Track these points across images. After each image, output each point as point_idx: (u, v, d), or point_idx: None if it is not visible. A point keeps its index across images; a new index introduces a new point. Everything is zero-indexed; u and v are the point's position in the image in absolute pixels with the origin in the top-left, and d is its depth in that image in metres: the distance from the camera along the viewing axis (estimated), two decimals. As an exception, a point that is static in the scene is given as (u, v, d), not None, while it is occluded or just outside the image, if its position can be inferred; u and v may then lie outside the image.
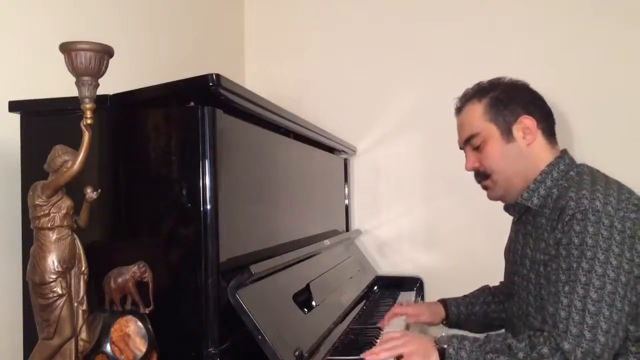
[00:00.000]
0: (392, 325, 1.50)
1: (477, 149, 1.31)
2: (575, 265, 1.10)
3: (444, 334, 1.21)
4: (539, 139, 1.28)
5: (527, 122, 1.27)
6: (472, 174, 1.37)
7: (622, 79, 2.04)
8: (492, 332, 1.33)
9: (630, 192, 1.18)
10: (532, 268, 1.26)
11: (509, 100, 1.29)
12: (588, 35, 2.08)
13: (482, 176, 1.33)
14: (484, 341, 1.16)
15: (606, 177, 1.23)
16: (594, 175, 1.22)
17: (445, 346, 1.15)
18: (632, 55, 2.04)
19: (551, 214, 1.20)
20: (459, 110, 1.37)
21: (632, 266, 1.10)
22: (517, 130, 1.28)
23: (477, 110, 1.31)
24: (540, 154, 1.28)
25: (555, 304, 1.12)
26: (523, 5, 2.15)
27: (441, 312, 1.57)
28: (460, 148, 1.38)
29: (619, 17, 2.05)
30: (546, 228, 1.21)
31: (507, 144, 1.28)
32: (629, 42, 2.04)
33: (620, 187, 1.19)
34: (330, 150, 2.02)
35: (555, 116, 1.34)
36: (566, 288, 1.11)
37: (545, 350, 1.08)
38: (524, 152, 1.28)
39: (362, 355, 1.19)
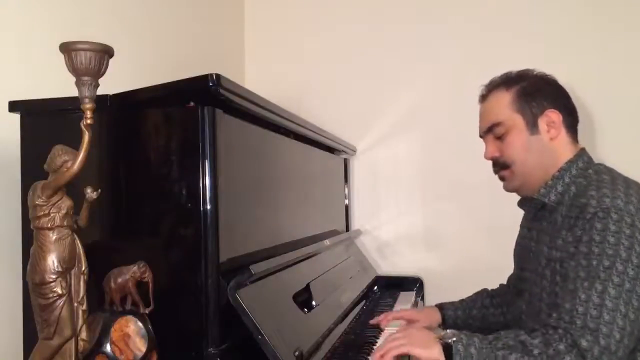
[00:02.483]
0: (391, 325, 1.50)
1: (499, 138, 1.31)
2: (595, 262, 1.09)
3: (448, 331, 1.22)
4: (563, 135, 1.28)
5: (553, 116, 1.27)
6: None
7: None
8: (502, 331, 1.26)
9: None
10: (548, 265, 1.24)
11: (537, 93, 1.28)
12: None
13: (500, 166, 1.32)
14: (495, 337, 1.12)
15: (624, 177, 1.22)
16: (612, 175, 1.22)
17: (452, 340, 1.10)
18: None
19: (569, 212, 1.19)
20: (483, 97, 1.35)
21: None
22: (542, 123, 1.27)
23: (504, 99, 1.29)
24: (561, 149, 1.28)
25: (572, 300, 1.10)
26: (523, 3, 2.15)
27: (437, 317, 1.55)
28: (480, 136, 1.37)
29: None
30: (563, 225, 1.20)
31: (531, 135, 1.27)
32: None
33: (639, 187, 1.18)
34: (330, 150, 2.02)
35: (580, 114, 1.33)
36: (585, 284, 1.09)
37: (561, 347, 1.06)
38: (547, 146, 1.27)
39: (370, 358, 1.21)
